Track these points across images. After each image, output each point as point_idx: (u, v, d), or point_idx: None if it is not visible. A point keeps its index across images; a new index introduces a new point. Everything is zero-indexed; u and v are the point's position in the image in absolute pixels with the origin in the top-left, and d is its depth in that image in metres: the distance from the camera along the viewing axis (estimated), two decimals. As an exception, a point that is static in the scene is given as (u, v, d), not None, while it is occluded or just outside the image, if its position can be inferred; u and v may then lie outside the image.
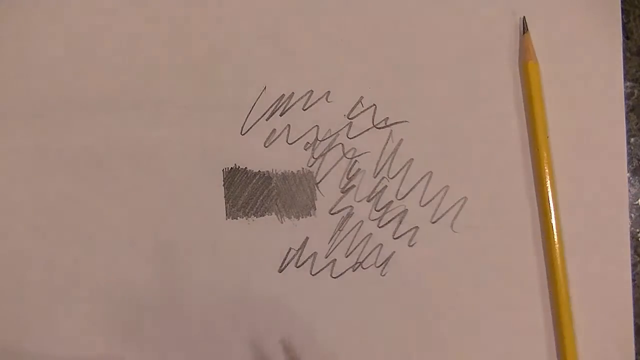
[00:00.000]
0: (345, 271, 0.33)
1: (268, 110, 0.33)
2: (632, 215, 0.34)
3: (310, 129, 0.33)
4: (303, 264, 0.33)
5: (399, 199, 0.33)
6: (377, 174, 0.33)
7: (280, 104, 0.33)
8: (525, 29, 0.33)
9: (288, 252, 0.33)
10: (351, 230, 0.33)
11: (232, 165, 0.33)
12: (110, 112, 0.32)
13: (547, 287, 0.33)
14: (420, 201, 0.33)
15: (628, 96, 0.34)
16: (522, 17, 0.33)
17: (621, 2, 0.33)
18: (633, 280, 0.33)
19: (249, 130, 0.33)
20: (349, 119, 0.33)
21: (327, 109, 0.33)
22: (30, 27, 0.33)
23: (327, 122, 0.33)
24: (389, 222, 0.33)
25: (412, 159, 0.33)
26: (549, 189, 0.33)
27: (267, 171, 0.33)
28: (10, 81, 0.32)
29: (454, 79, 0.33)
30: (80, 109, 0.32)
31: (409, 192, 0.33)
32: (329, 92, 0.33)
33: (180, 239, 0.32)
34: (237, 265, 0.32)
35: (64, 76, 0.32)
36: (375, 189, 0.33)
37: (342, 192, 0.33)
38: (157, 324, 0.32)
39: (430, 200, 0.33)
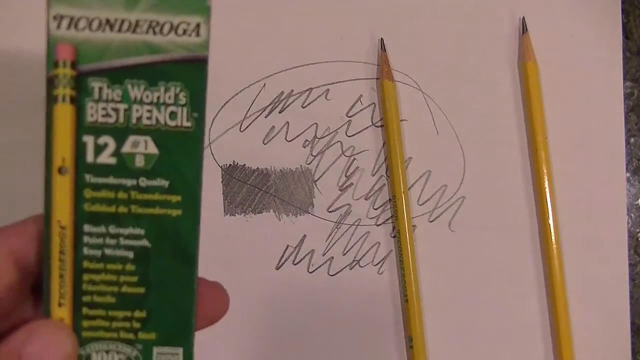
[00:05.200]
0: (342, 269, 0.33)
1: (267, 107, 0.33)
2: (632, 215, 0.33)
3: (309, 127, 0.33)
4: (300, 261, 0.33)
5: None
6: (375, 172, 0.33)
7: (279, 101, 0.33)
8: (524, 29, 0.33)
9: (285, 250, 0.33)
10: (349, 228, 0.33)
11: (231, 162, 0.33)
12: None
13: (544, 287, 0.33)
14: (418, 200, 0.33)
15: (628, 96, 0.34)
16: (521, 17, 0.33)
17: (621, 2, 0.33)
18: (633, 280, 0.33)
19: (248, 127, 0.33)
20: (348, 117, 0.33)
21: (326, 107, 0.33)
22: (31, 21, 0.33)
23: (326, 120, 0.33)
24: (386, 220, 0.33)
25: (411, 157, 0.33)
26: (547, 189, 0.32)
27: (266, 168, 0.33)
28: (14, 76, 0.33)
29: (453, 78, 0.34)
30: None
31: (407, 191, 0.33)
32: (328, 90, 0.33)
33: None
34: (234, 261, 0.32)
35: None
36: (373, 187, 0.33)
37: (340, 190, 0.33)
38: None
39: (428, 200, 0.33)
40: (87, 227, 0.19)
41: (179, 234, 0.20)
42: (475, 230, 0.33)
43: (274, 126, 0.33)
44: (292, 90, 0.33)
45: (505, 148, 0.33)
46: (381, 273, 0.33)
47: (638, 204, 0.34)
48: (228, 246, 0.33)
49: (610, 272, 0.33)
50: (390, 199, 0.33)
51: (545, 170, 0.33)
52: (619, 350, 0.33)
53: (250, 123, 0.33)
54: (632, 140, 0.34)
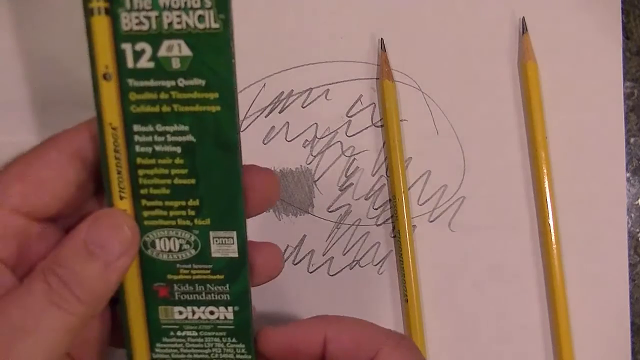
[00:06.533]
0: (342, 269, 0.33)
1: (267, 107, 0.33)
2: (632, 215, 0.33)
3: (309, 127, 0.33)
4: (300, 261, 0.33)
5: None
6: (375, 172, 0.33)
7: (279, 101, 0.33)
8: (524, 29, 0.33)
9: (285, 250, 0.33)
10: (349, 228, 0.33)
11: (231, 162, 0.33)
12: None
13: (544, 287, 0.33)
14: (418, 200, 0.33)
15: (628, 96, 0.34)
16: (521, 17, 0.33)
17: (621, 2, 0.33)
18: (633, 280, 0.33)
19: (248, 127, 0.33)
20: (348, 117, 0.33)
21: (326, 107, 0.33)
22: (34, 22, 0.33)
23: (326, 120, 0.33)
24: (386, 220, 0.33)
25: (411, 157, 0.33)
26: (547, 189, 0.32)
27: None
28: (13, 74, 0.33)
29: (453, 78, 0.33)
30: (84, 104, 0.33)
31: (407, 191, 0.33)
32: (328, 90, 0.33)
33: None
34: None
35: (67, 70, 0.33)
36: (373, 187, 0.33)
37: (340, 190, 0.33)
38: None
39: (428, 199, 0.33)
40: (136, 127, 0.21)
41: (219, 127, 0.21)
42: (475, 230, 0.33)
43: (274, 126, 0.33)
44: (292, 90, 0.33)
45: (505, 148, 0.33)
46: (381, 273, 0.33)
47: (638, 204, 0.34)
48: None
49: (610, 272, 0.33)
50: (390, 199, 0.33)
51: (545, 170, 0.33)
52: (619, 350, 0.33)
53: (250, 123, 0.33)
54: (632, 140, 0.34)
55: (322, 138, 0.33)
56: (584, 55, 0.33)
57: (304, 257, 0.33)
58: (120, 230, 0.20)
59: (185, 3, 0.20)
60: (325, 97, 0.33)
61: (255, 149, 0.33)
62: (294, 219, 0.33)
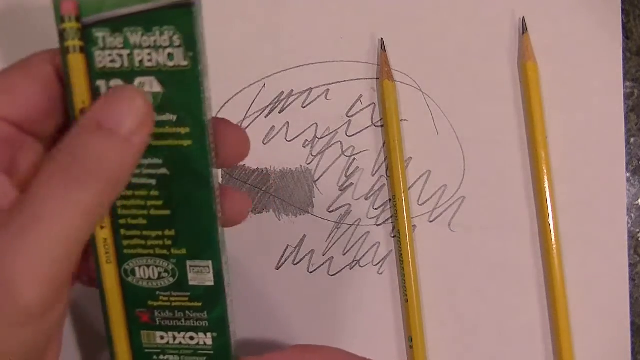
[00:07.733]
0: (342, 269, 0.33)
1: (267, 107, 0.33)
2: (632, 215, 0.33)
3: (309, 127, 0.33)
4: (300, 261, 0.33)
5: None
6: (375, 172, 0.33)
7: (279, 101, 0.33)
8: (524, 29, 0.33)
9: (285, 250, 0.33)
10: (349, 228, 0.33)
11: (231, 162, 0.33)
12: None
13: (544, 287, 0.33)
14: (418, 200, 0.33)
15: (628, 96, 0.34)
16: (521, 17, 0.33)
17: (621, 2, 0.33)
18: (633, 280, 0.33)
19: (248, 127, 0.33)
20: (348, 117, 0.33)
21: (326, 107, 0.33)
22: (37, 20, 0.33)
23: (326, 120, 0.33)
24: (386, 220, 0.33)
25: (411, 157, 0.33)
26: (547, 189, 0.32)
27: (266, 168, 0.33)
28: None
29: (453, 78, 0.34)
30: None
31: (407, 191, 0.33)
32: (328, 90, 0.33)
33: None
34: (234, 262, 0.32)
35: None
36: (373, 187, 0.33)
37: (340, 190, 0.33)
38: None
39: (428, 200, 0.33)
40: None
41: (191, 161, 0.21)
42: (475, 230, 0.33)
43: (274, 126, 0.33)
44: (292, 90, 0.33)
45: (505, 148, 0.33)
46: (381, 273, 0.33)
47: (638, 204, 0.34)
48: (228, 246, 0.32)
49: (610, 272, 0.33)
50: (390, 199, 0.33)
51: (545, 170, 0.33)
52: (619, 350, 0.33)
53: (250, 123, 0.33)
54: (632, 140, 0.34)
55: (322, 138, 0.33)
56: (584, 55, 0.33)
57: (304, 257, 0.33)
58: (132, 103, 0.19)
59: (155, 41, 0.20)
60: (325, 97, 0.33)
61: (255, 149, 0.33)
62: (294, 219, 0.33)
